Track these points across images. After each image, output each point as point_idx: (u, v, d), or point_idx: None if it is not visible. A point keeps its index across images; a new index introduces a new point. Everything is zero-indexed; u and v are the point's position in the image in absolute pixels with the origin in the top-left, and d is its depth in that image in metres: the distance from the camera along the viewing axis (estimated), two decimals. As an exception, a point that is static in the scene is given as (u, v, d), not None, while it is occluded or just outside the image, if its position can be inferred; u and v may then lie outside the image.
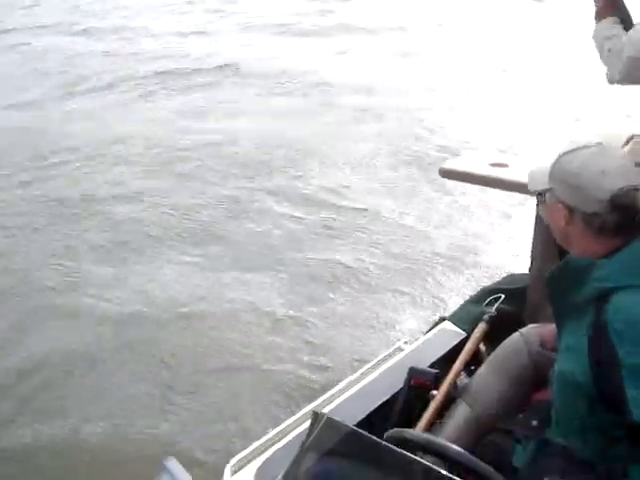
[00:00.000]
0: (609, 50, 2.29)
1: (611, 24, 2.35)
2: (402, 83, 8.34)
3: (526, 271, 2.74)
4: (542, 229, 2.60)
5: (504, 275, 3.09)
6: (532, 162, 2.70)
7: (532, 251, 2.71)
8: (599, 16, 2.40)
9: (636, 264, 1.51)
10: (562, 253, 1.73)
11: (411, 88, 8.14)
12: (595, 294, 1.51)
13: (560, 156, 1.63)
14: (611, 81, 2.36)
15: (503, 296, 2.53)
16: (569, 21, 9.73)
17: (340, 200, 5.45)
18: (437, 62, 9.16)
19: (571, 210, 1.57)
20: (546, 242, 2.61)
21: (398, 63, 9.26)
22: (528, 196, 2.31)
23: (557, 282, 1.65)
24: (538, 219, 2.59)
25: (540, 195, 1.71)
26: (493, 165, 2.69)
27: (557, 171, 1.62)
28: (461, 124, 6.82)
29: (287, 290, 4.36)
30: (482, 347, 2.37)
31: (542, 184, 1.68)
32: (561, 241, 1.67)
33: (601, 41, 2.35)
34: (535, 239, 2.68)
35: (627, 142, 2.41)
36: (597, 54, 2.42)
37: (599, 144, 1.60)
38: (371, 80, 8.46)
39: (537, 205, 2.54)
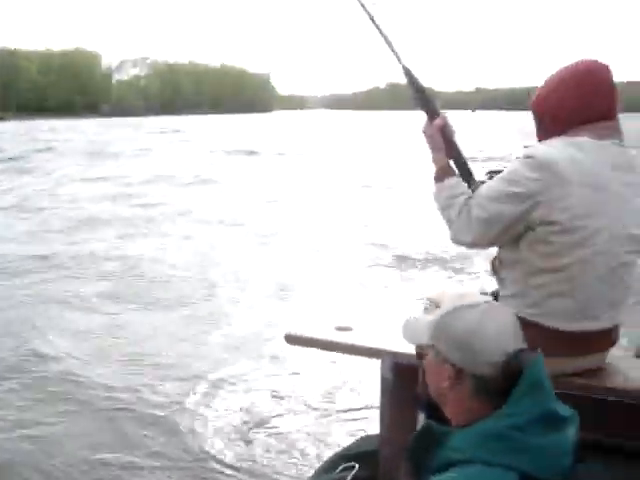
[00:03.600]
0: (459, 213, 2.26)
1: (454, 183, 2.35)
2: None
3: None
4: (388, 392, 2.63)
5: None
6: (377, 325, 2.81)
7: (381, 414, 2.71)
8: (440, 176, 2.38)
9: (490, 437, 1.44)
10: (430, 412, 1.68)
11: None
12: (441, 466, 1.45)
13: (448, 313, 1.56)
14: (462, 243, 2.31)
15: (357, 466, 2.47)
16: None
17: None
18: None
19: (459, 371, 1.51)
20: (393, 405, 2.63)
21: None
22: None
23: (415, 452, 1.55)
24: (384, 381, 2.62)
25: (419, 348, 1.65)
26: (339, 329, 2.72)
27: (445, 330, 1.54)
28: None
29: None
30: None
31: (423, 338, 1.60)
32: (438, 399, 1.59)
33: (445, 202, 2.32)
34: (383, 401, 2.68)
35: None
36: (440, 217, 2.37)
37: (486, 302, 1.57)
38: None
39: (382, 368, 2.61)
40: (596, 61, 2.29)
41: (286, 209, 12.60)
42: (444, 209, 2.32)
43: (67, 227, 10.77)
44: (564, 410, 1.52)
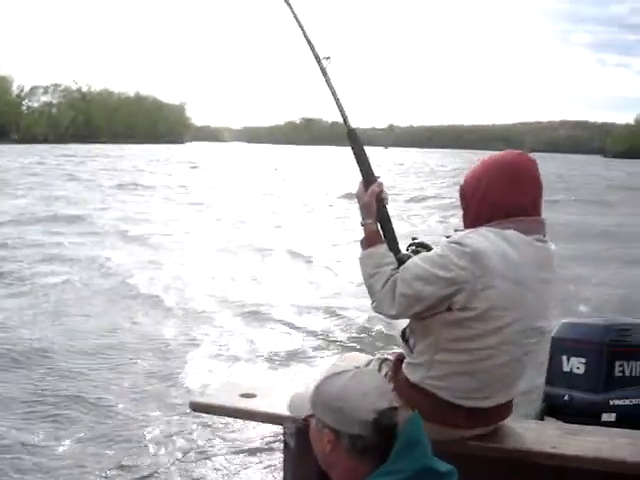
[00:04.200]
0: (384, 284, 2.29)
1: (383, 252, 2.37)
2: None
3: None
4: (292, 457, 2.64)
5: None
6: (280, 391, 2.82)
7: (284, 480, 2.72)
8: (369, 242, 2.40)
9: None
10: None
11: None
12: None
13: (321, 382, 1.68)
14: (384, 314, 2.35)
15: None
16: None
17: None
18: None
19: (336, 433, 1.60)
20: (297, 471, 2.64)
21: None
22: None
23: None
24: (287, 448, 2.63)
25: (304, 420, 1.73)
26: (243, 396, 2.72)
27: (319, 396, 1.66)
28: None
29: None
30: None
31: (305, 410, 1.71)
32: (325, 466, 1.68)
33: (371, 270, 2.34)
34: (285, 468, 2.70)
35: (367, 364, 2.52)
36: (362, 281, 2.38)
37: (357, 368, 1.69)
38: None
39: (284, 434, 2.62)
40: (521, 155, 2.38)
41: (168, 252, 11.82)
42: (370, 276, 2.36)
43: None
44: (442, 466, 1.60)
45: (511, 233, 2.24)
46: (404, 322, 2.46)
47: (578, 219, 17.56)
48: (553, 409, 3.37)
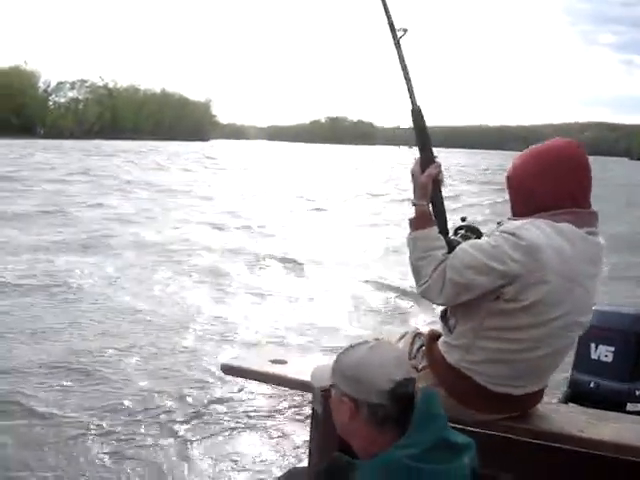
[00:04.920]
0: (434, 270, 2.22)
1: (434, 235, 2.30)
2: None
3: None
4: (319, 425, 2.67)
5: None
6: (310, 359, 2.87)
7: (310, 447, 2.75)
8: (420, 224, 2.32)
9: (390, 468, 1.54)
10: (343, 449, 1.77)
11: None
12: None
13: (342, 352, 1.73)
14: (430, 300, 2.29)
15: None
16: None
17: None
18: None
19: (356, 402, 1.63)
20: (323, 438, 2.67)
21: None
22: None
23: None
24: (315, 415, 2.67)
25: (323, 392, 1.77)
26: (273, 362, 2.77)
27: (339, 366, 1.70)
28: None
29: None
30: None
31: (326, 380, 1.75)
32: (345, 435, 1.70)
33: (421, 253, 2.27)
34: (312, 435, 2.73)
35: (400, 338, 2.54)
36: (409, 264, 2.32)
37: (376, 340, 1.73)
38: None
39: (313, 401, 2.66)
40: (570, 142, 2.33)
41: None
42: (418, 259, 2.28)
43: None
44: (459, 438, 1.64)
45: (565, 226, 2.21)
46: None
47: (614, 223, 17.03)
48: (578, 395, 3.34)
